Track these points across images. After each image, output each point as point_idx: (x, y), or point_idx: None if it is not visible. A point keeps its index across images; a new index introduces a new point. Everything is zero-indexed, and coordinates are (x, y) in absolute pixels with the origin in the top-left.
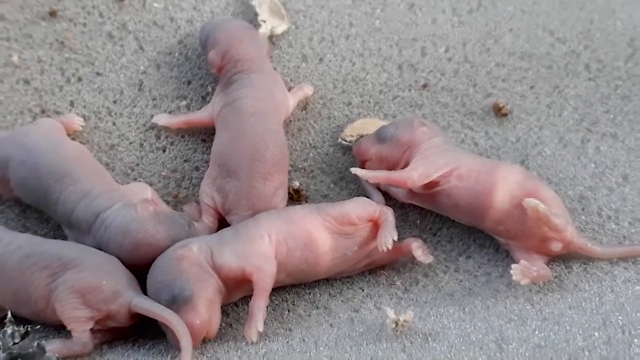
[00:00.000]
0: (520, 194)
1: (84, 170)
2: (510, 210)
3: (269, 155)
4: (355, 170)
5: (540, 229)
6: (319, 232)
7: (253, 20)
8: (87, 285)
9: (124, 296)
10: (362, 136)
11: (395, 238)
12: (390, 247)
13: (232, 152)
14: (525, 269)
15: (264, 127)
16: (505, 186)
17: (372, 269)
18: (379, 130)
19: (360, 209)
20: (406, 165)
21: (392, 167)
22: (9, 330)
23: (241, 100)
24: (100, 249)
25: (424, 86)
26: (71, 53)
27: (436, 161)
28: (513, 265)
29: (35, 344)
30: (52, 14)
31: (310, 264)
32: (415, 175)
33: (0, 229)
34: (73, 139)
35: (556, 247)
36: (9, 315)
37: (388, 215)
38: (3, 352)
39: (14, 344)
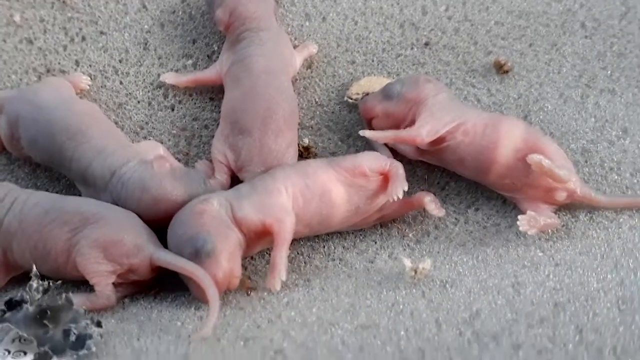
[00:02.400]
0: (523, 147)
1: (97, 127)
2: (514, 164)
3: (281, 112)
4: (364, 133)
5: (545, 181)
6: (333, 184)
7: None
8: (108, 239)
9: (145, 249)
10: (367, 94)
11: (406, 189)
12: (400, 197)
13: (244, 109)
14: (532, 219)
15: (275, 84)
16: (509, 140)
17: (384, 223)
18: (385, 87)
19: (372, 161)
20: (412, 121)
21: (398, 123)
22: (34, 284)
23: (251, 58)
24: (117, 205)
25: (426, 44)
26: (73, 12)
27: (443, 117)
28: (520, 217)
29: (63, 296)
30: None
31: (325, 215)
32: (423, 132)
33: (15, 188)
34: (80, 97)
35: (561, 196)
36: (34, 269)
37: (398, 168)
38: (31, 305)
39: (40, 297)
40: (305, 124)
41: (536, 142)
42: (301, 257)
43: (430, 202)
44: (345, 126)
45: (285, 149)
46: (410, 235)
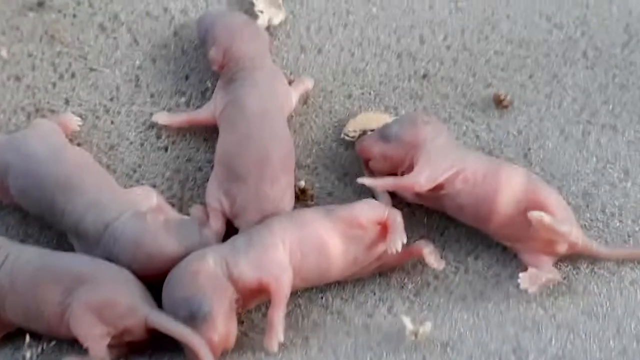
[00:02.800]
0: (524, 198)
1: (89, 178)
2: (514, 215)
3: (277, 157)
4: (363, 180)
5: (545, 234)
6: (330, 236)
7: (249, 10)
8: (102, 301)
9: (140, 311)
10: (364, 131)
11: (404, 241)
12: (399, 249)
13: (239, 155)
14: (532, 276)
15: (270, 127)
16: (509, 191)
17: (382, 271)
18: (383, 128)
19: (369, 211)
20: (410, 164)
21: (396, 166)
22: (27, 355)
23: (245, 99)
24: (110, 261)
25: (424, 76)
26: (62, 47)
27: (441, 164)
28: (521, 274)
29: None
30: (40, 4)
31: (322, 268)
32: (421, 179)
33: (6, 243)
34: (71, 139)
35: (562, 248)
36: (27, 338)
37: (396, 218)
38: None
39: None
40: (301, 163)
41: (536, 192)
42: (298, 310)
43: (430, 255)
44: (342, 164)
45: (282, 194)
46: (409, 286)
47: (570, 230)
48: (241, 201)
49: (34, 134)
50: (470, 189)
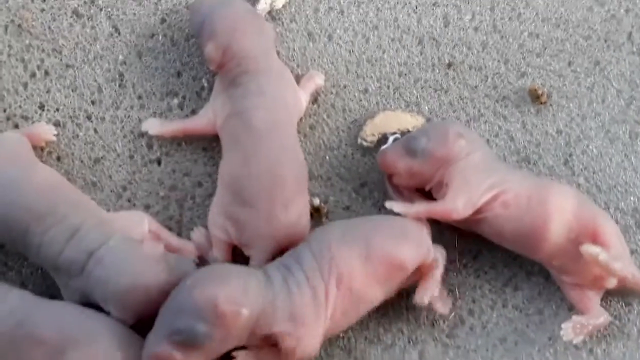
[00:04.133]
0: (575, 225)
1: (66, 202)
2: (565, 245)
3: (289, 177)
4: (391, 205)
5: (596, 269)
6: (371, 287)
7: None
8: None
9: None
10: (384, 135)
11: (436, 294)
12: (426, 304)
13: (246, 177)
14: (577, 325)
15: (280, 142)
16: (561, 218)
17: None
18: (408, 141)
19: (415, 255)
20: (440, 181)
21: (423, 182)
22: None
23: (250, 112)
24: (94, 291)
25: (449, 65)
26: (32, 38)
27: (480, 185)
28: (564, 326)
29: None
30: None
31: (354, 316)
32: (459, 205)
33: None
34: (49, 152)
35: (611, 283)
36: None
37: (438, 265)
38: None
39: None
40: (313, 173)
41: (591, 220)
42: (318, 355)
43: (437, 302)
44: (360, 173)
45: (297, 218)
46: (441, 324)
47: (623, 268)
48: (251, 229)
49: None
50: (511, 214)
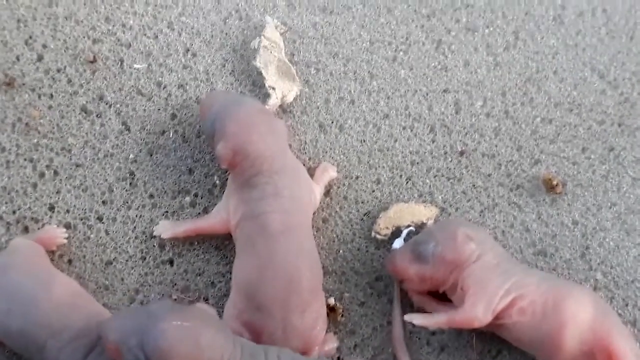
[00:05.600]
0: (591, 339)
1: (83, 316)
2: (578, 356)
3: (306, 283)
4: (411, 318)
5: None
6: None
7: (257, 80)
8: None
9: None
10: (398, 227)
11: None
12: None
13: (261, 282)
14: None
15: (296, 246)
16: (575, 328)
17: None
18: (417, 246)
19: None
20: (455, 283)
21: (437, 287)
22: None
23: (267, 215)
24: None
25: (462, 153)
26: (40, 137)
27: (497, 289)
28: None
29: None
30: (9, 83)
31: None
32: (479, 312)
33: None
34: (61, 255)
35: None
36: None
37: None
38: None
39: None
40: (327, 268)
41: (607, 336)
42: None
43: None
44: (374, 267)
45: (313, 323)
46: None
47: None
48: (267, 336)
49: (13, 262)
50: (528, 321)
